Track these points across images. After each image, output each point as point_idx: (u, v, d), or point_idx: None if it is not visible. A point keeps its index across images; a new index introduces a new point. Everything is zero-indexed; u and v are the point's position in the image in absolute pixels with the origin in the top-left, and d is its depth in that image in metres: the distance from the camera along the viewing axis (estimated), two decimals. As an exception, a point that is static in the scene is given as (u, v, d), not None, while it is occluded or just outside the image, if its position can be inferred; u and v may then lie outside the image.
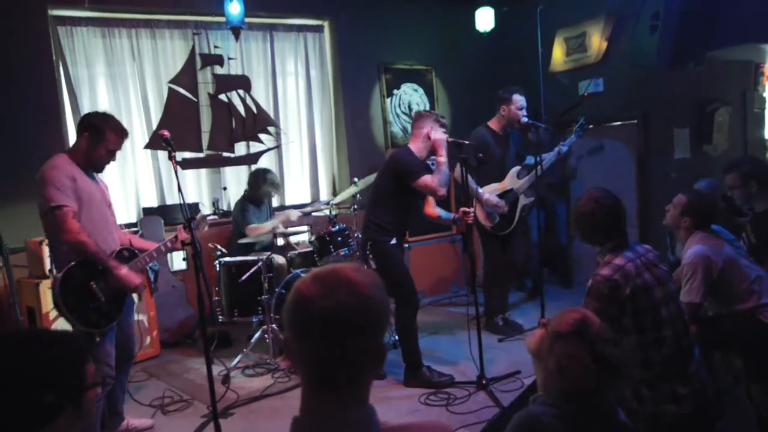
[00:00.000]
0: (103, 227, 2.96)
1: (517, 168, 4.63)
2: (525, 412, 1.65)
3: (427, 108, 6.55)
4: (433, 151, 3.80)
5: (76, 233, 2.72)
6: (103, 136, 2.87)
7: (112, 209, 3.13)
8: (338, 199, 5.07)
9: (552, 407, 1.58)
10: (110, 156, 2.96)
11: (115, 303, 2.91)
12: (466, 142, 3.89)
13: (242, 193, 5.10)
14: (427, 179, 3.69)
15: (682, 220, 2.95)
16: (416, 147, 3.83)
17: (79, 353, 1.27)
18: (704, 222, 2.95)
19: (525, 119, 4.47)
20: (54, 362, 1.21)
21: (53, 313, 4.00)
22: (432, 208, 4.08)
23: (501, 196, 4.57)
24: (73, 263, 2.79)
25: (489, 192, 4.56)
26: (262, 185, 4.89)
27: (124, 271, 2.86)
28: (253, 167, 5.46)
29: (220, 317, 4.55)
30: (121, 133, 2.95)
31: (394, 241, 3.83)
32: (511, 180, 4.61)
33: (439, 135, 3.76)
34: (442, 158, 3.73)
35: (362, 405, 1.09)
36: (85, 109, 5.06)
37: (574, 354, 1.54)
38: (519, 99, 4.50)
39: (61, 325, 3.93)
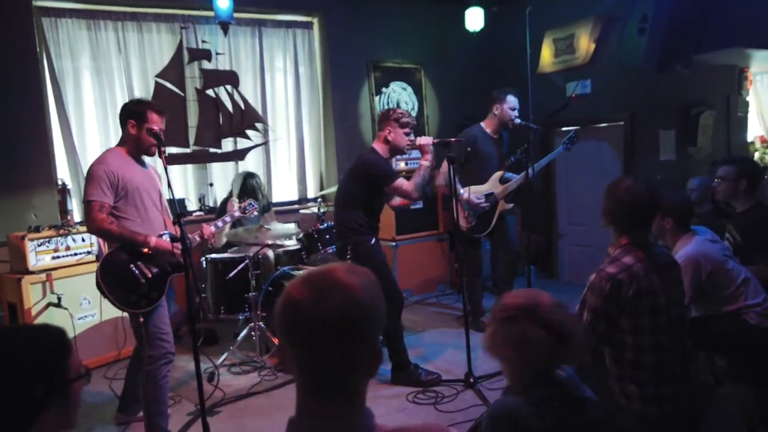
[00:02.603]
0: (148, 214, 3.02)
1: (500, 173, 4.64)
2: (499, 404, 1.69)
3: (416, 107, 6.56)
4: (398, 151, 3.79)
5: (99, 222, 2.84)
6: (145, 117, 2.93)
7: (161, 196, 3.17)
8: (326, 191, 5.13)
9: (522, 395, 1.63)
10: (156, 137, 2.96)
11: (155, 285, 2.96)
12: (453, 140, 3.87)
13: (228, 193, 5.08)
14: (402, 182, 3.65)
15: (664, 222, 2.96)
16: (380, 147, 3.79)
17: (60, 345, 1.25)
18: (685, 218, 2.97)
19: (518, 120, 4.53)
20: (37, 357, 1.18)
21: (35, 309, 3.95)
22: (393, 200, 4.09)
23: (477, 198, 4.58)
24: (113, 248, 2.93)
25: (474, 192, 4.56)
26: (243, 191, 4.82)
27: (153, 241, 2.92)
28: (241, 171, 5.39)
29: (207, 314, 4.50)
30: (162, 113, 3.01)
31: (373, 241, 3.79)
32: (493, 184, 4.62)
33: (399, 136, 3.72)
34: (426, 162, 3.69)
35: (358, 408, 1.08)
36: (70, 102, 4.98)
37: (525, 328, 1.61)
38: (512, 100, 4.56)
39: (43, 321, 3.92)
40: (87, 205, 2.88)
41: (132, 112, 2.97)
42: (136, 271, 2.92)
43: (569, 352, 1.65)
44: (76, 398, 1.25)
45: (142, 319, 2.93)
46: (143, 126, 2.93)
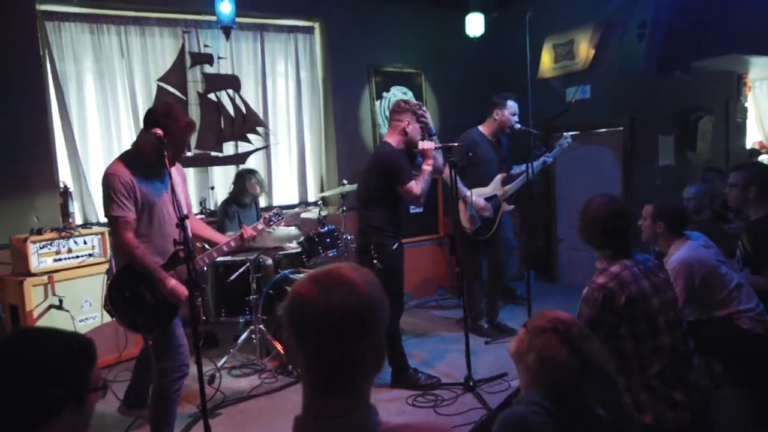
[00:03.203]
0: (164, 230, 2.87)
1: (502, 175, 4.67)
2: (510, 412, 1.67)
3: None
4: (413, 144, 3.73)
5: (128, 245, 2.73)
6: (170, 129, 2.75)
7: (182, 200, 2.90)
8: (326, 193, 5.25)
9: (535, 405, 1.60)
10: (161, 142, 2.74)
11: (165, 306, 2.83)
12: (455, 144, 3.88)
13: (227, 194, 5.13)
14: (413, 186, 3.61)
15: (656, 226, 2.97)
16: (394, 140, 3.72)
17: (88, 354, 1.28)
18: (678, 223, 2.96)
19: (518, 126, 4.55)
20: (61, 359, 1.22)
21: (37, 311, 3.97)
22: None
23: (485, 200, 4.61)
24: (122, 267, 2.82)
25: (477, 196, 4.59)
26: (246, 185, 4.93)
27: (171, 284, 2.78)
28: (239, 168, 5.44)
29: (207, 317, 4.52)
30: (189, 125, 2.86)
31: (396, 245, 3.73)
32: (495, 186, 4.65)
33: (416, 129, 3.69)
34: (428, 167, 3.67)
35: (363, 405, 1.10)
36: (72, 105, 5.00)
37: (553, 346, 1.59)
38: (513, 105, 4.58)
39: (44, 323, 3.93)
40: (112, 221, 2.74)
41: (157, 122, 2.74)
42: (146, 293, 2.78)
43: (589, 381, 1.60)
44: (90, 409, 1.27)
45: (151, 342, 2.82)
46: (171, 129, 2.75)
